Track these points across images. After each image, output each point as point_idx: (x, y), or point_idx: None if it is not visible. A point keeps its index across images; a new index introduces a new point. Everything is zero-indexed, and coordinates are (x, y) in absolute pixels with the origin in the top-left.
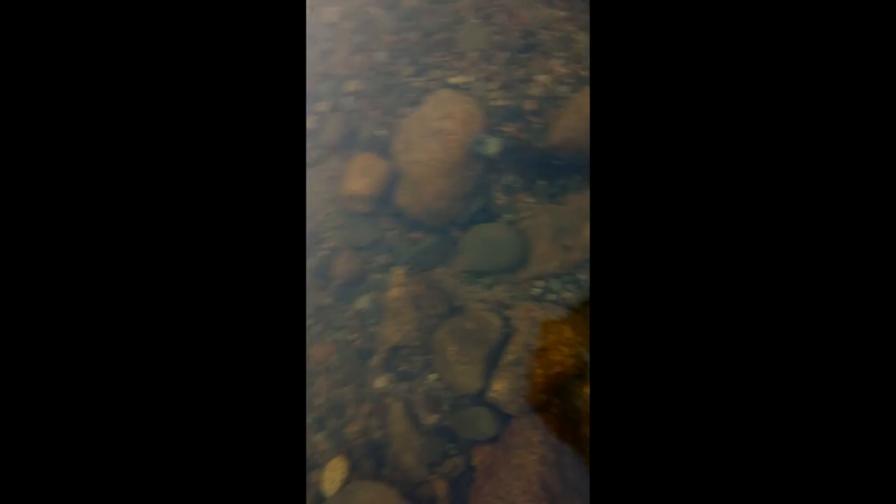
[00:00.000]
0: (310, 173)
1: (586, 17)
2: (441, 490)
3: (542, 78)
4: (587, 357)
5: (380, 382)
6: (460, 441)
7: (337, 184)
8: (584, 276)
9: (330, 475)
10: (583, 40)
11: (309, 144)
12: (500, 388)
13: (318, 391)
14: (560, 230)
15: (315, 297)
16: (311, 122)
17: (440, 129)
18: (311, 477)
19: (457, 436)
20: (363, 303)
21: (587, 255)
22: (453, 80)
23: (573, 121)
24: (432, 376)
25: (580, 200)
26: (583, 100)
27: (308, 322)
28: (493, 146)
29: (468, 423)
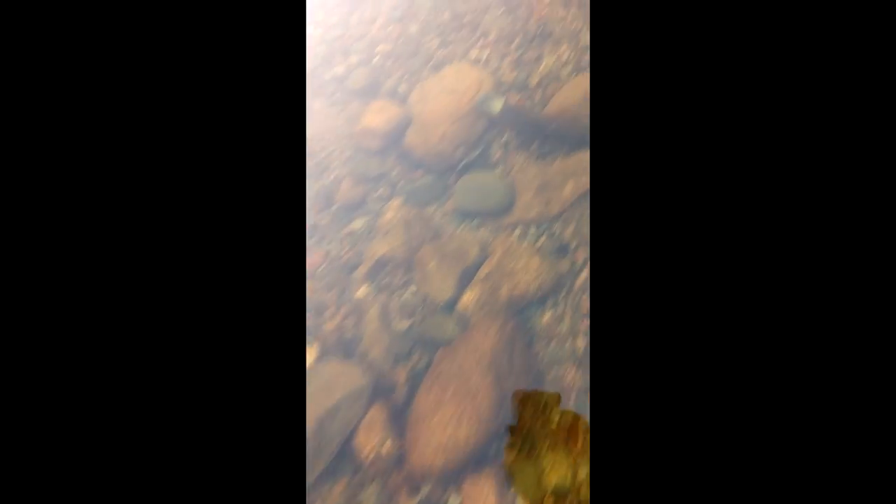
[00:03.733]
0: (330, 111)
1: None
2: (401, 378)
3: (548, 60)
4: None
5: (361, 292)
6: (426, 343)
7: (353, 123)
8: (559, 228)
9: None
10: (588, 35)
11: (333, 87)
12: (468, 298)
13: None
14: (544, 186)
15: (314, 218)
16: (340, 70)
17: (454, 89)
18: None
19: (423, 338)
20: (358, 224)
21: (564, 210)
22: (473, 54)
23: (569, 97)
24: (411, 289)
25: (565, 163)
26: (581, 80)
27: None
28: (498, 104)
29: (436, 327)
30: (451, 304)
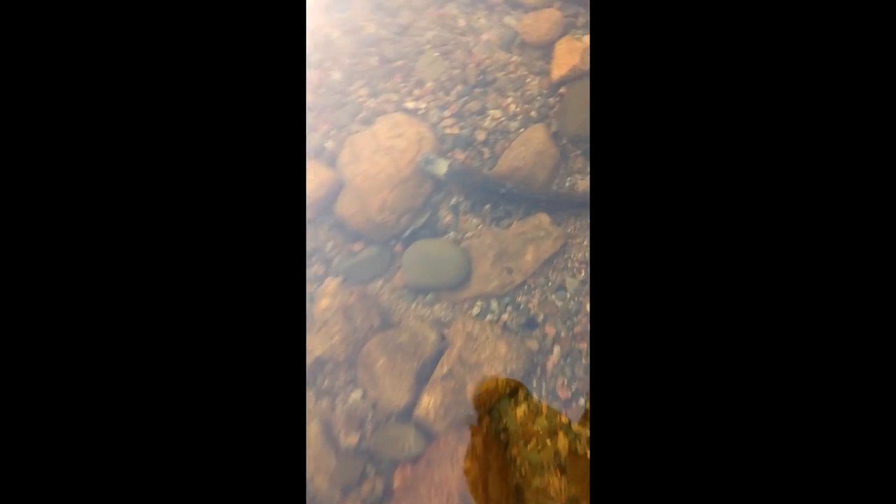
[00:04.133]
0: None
1: (540, 64)
2: None
3: (494, 113)
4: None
5: None
6: (381, 462)
7: None
8: (523, 299)
9: None
10: (534, 84)
11: None
12: (428, 403)
13: None
14: (502, 253)
15: None
16: None
17: (391, 146)
18: None
19: (377, 456)
20: None
21: (527, 279)
22: (409, 105)
23: (520, 153)
24: (357, 393)
25: (523, 226)
26: (531, 135)
27: None
28: (443, 166)
29: (391, 441)
30: (407, 411)
